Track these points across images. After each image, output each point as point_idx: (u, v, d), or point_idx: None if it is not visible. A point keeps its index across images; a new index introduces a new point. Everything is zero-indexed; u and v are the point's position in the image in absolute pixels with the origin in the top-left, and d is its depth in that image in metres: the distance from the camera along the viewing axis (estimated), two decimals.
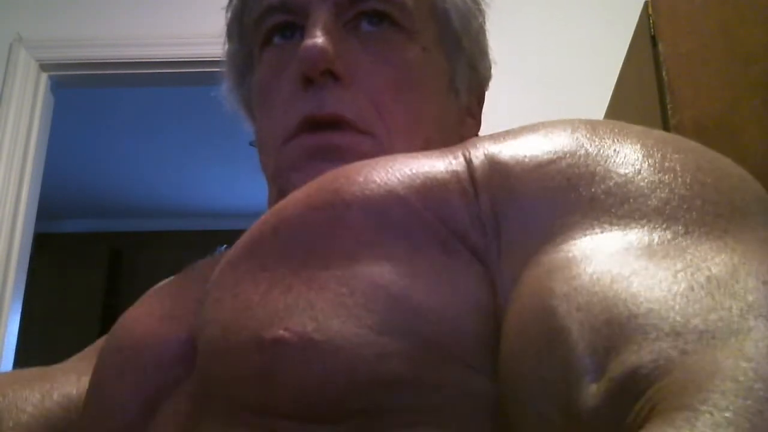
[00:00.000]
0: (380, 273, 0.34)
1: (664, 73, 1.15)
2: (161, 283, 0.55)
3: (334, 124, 0.47)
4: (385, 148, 0.47)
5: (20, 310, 2.01)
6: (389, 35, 0.50)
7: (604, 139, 0.36)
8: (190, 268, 0.52)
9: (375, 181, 0.38)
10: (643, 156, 0.35)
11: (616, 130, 0.37)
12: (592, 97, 1.62)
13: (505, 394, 0.31)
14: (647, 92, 1.22)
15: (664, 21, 1.20)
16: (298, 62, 0.47)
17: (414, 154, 0.41)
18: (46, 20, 2.12)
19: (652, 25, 1.21)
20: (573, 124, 0.39)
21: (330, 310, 0.33)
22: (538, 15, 1.90)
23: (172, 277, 0.55)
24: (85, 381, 0.50)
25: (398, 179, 0.38)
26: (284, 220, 0.39)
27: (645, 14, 1.25)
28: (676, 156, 0.34)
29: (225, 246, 0.61)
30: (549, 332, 0.28)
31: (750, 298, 0.24)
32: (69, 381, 0.51)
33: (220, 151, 3.52)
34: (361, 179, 0.39)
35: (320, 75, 0.47)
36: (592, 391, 0.25)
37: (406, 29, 0.50)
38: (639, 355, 0.24)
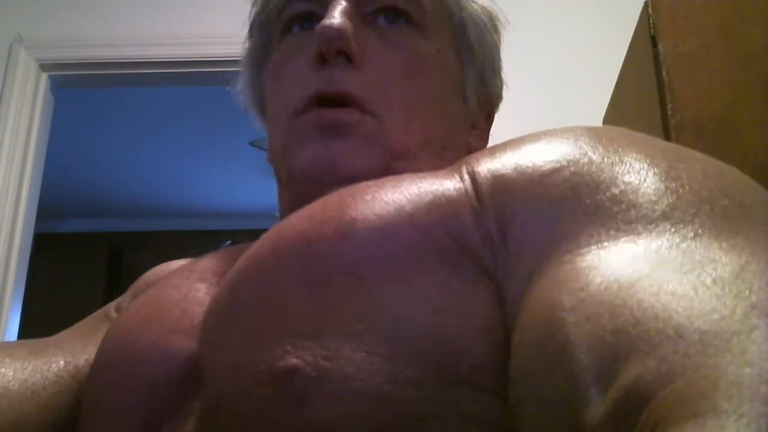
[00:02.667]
0: (389, 296, 0.34)
1: (664, 73, 1.15)
2: (165, 274, 0.54)
3: (342, 102, 0.48)
4: (387, 130, 0.48)
5: (20, 310, 2.01)
6: (405, 31, 0.51)
7: (607, 146, 0.36)
8: (195, 262, 0.52)
9: (383, 200, 0.38)
10: (649, 164, 0.34)
11: (620, 138, 0.37)
12: (592, 97, 1.62)
13: (514, 411, 0.31)
14: (647, 92, 1.22)
15: (664, 21, 1.20)
16: (314, 40, 0.49)
17: (421, 174, 0.41)
18: (46, 20, 2.12)
19: (652, 25, 1.21)
20: (575, 132, 0.39)
21: (340, 337, 0.32)
22: (538, 15, 1.90)
23: (177, 267, 0.55)
24: (81, 355, 0.49)
25: (407, 198, 0.38)
26: (285, 238, 0.39)
27: (645, 14, 1.25)
28: (681, 165, 0.34)
29: (229, 242, 0.61)
30: (557, 346, 0.28)
31: (754, 298, 0.24)
32: (66, 354, 0.50)
33: (220, 151, 3.52)
34: (368, 197, 0.39)
35: (335, 54, 0.48)
36: (599, 404, 0.25)
37: (421, 28, 0.52)
38: (643, 364, 0.23)
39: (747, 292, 0.24)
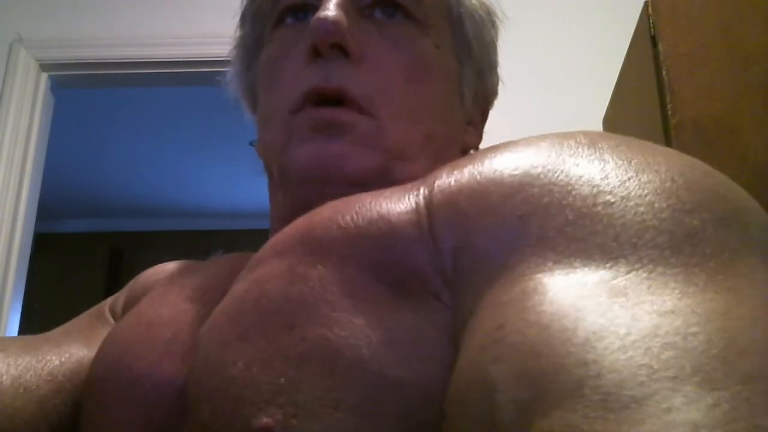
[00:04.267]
0: (356, 344, 0.33)
1: (664, 73, 1.15)
2: (160, 280, 0.53)
3: (339, 99, 0.47)
4: (385, 132, 0.47)
5: (20, 310, 2.01)
6: (403, 25, 0.50)
7: (565, 163, 0.34)
8: (188, 272, 0.51)
9: (340, 227, 0.38)
10: (600, 183, 0.33)
11: (581, 151, 0.35)
12: (592, 97, 1.62)
13: None
14: (647, 92, 1.22)
15: (664, 21, 1.20)
16: (309, 34, 0.47)
17: (379, 193, 0.41)
18: (46, 20, 2.12)
19: (652, 25, 1.21)
20: (537, 147, 0.37)
21: (311, 392, 0.32)
22: (538, 15, 1.90)
23: (172, 271, 0.54)
24: (76, 356, 0.49)
25: (363, 227, 0.38)
26: (265, 295, 0.38)
27: (645, 14, 1.25)
28: (635, 180, 0.32)
29: (222, 251, 0.61)
30: (474, 385, 0.27)
31: (663, 356, 0.23)
32: (61, 352, 0.50)
33: (220, 151, 3.52)
34: (333, 234, 0.38)
35: (330, 48, 0.47)
36: None
37: (419, 23, 0.50)
38: (548, 418, 0.23)
39: (657, 350, 0.23)
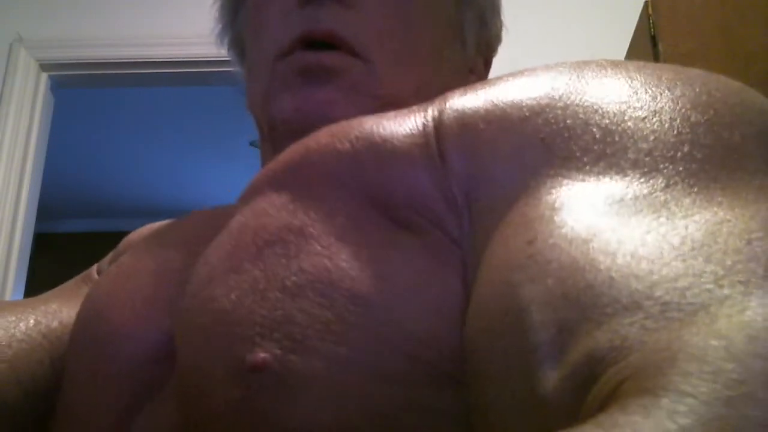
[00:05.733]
0: (359, 277, 0.31)
1: None
2: (144, 236, 0.51)
3: (330, 43, 0.44)
4: (378, 77, 0.45)
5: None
6: None
7: (588, 84, 0.33)
8: (175, 225, 0.48)
9: (338, 150, 0.36)
10: (629, 99, 0.31)
11: (604, 72, 0.33)
12: None
13: (469, 391, 0.28)
14: None
15: (664, 21, 1.20)
16: None
17: (381, 115, 0.38)
18: (46, 20, 2.12)
19: (652, 25, 1.21)
20: (558, 71, 0.35)
21: (310, 325, 0.30)
22: (537, 15, 1.90)
23: (156, 228, 0.51)
24: (54, 316, 0.47)
25: (362, 152, 0.35)
26: (266, 227, 0.35)
27: (645, 14, 1.25)
28: (668, 94, 0.30)
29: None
30: (506, 310, 0.25)
31: (728, 261, 0.21)
32: (48, 311, 0.48)
33: (220, 151, 3.52)
34: (326, 165, 0.36)
35: None
36: (551, 378, 0.22)
37: None
38: (594, 336, 0.21)
39: (720, 255, 0.21)
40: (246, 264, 0.34)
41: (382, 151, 0.35)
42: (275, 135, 0.47)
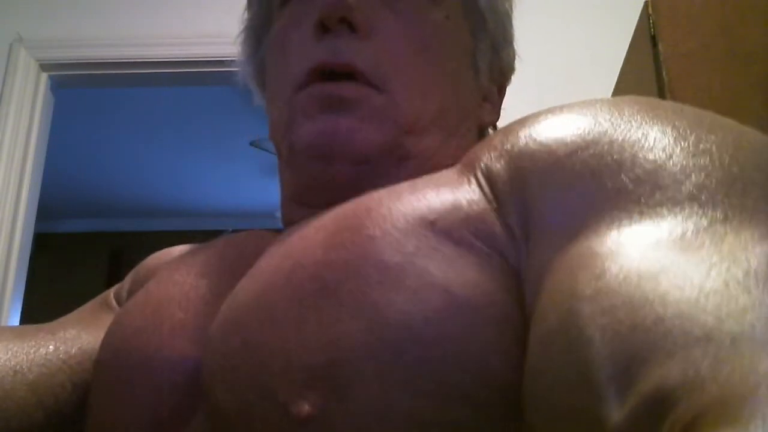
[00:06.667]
0: (409, 311, 0.31)
1: (664, 73, 1.15)
2: (167, 263, 0.52)
3: (347, 74, 0.45)
4: (396, 106, 0.45)
5: (20, 310, 2.01)
6: None
7: (630, 121, 0.33)
8: (197, 252, 0.49)
9: (401, 212, 0.36)
10: (675, 138, 0.31)
11: (644, 110, 0.34)
12: (591, 97, 1.62)
13: (530, 414, 0.28)
14: (647, 92, 1.22)
15: (664, 21, 1.19)
16: (315, 8, 0.46)
17: (435, 178, 0.39)
18: (46, 20, 2.12)
19: (652, 25, 1.21)
20: (595, 107, 0.36)
21: (354, 370, 0.30)
22: (537, 15, 1.90)
23: (178, 254, 0.52)
24: (73, 342, 0.48)
25: (427, 206, 0.36)
26: (302, 267, 0.35)
27: (645, 14, 1.25)
28: (712, 137, 0.31)
29: (232, 230, 0.60)
30: (572, 341, 0.25)
31: None
32: (66, 337, 0.49)
33: (220, 151, 3.52)
34: (385, 211, 0.36)
35: (337, 22, 0.45)
36: (618, 409, 0.22)
37: None
38: (666, 367, 0.21)
39: None
40: (281, 306, 0.34)
41: (445, 201, 0.36)
42: (293, 160, 0.47)
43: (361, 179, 0.44)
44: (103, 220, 4.26)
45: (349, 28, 0.46)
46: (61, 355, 0.47)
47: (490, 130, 0.55)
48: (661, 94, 1.16)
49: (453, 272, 0.32)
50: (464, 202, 0.36)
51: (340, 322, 0.31)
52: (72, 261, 4.07)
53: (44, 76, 2.08)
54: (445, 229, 0.34)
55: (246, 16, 0.57)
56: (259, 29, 0.55)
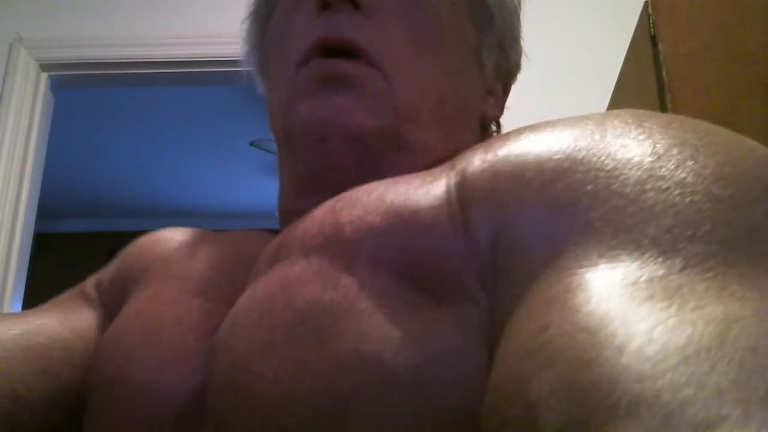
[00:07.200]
0: (391, 361, 0.31)
1: (664, 73, 1.15)
2: (158, 265, 0.50)
3: (348, 51, 0.44)
4: (396, 90, 0.44)
5: (20, 310, 2.01)
6: None
7: (611, 145, 0.32)
8: (189, 260, 0.48)
9: (370, 227, 0.36)
10: (651, 166, 0.30)
11: (627, 131, 0.33)
12: (592, 97, 1.62)
13: None
14: (647, 92, 1.22)
15: (664, 21, 1.20)
16: None
17: (406, 182, 0.38)
18: (46, 20, 2.12)
19: (652, 25, 1.21)
20: (580, 128, 0.34)
21: (349, 414, 0.30)
22: (538, 15, 1.90)
23: (170, 253, 0.51)
24: (54, 325, 0.47)
25: (392, 226, 0.36)
26: (291, 287, 0.36)
27: (645, 14, 1.25)
28: (690, 164, 0.29)
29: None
30: (514, 401, 0.25)
31: (732, 373, 0.20)
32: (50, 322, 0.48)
33: (220, 151, 3.52)
34: (352, 219, 0.36)
35: None
36: None
37: None
38: None
39: (724, 365, 0.20)
40: (278, 341, 0.34)
41: (411, 225, 0.35)
42: (292, 141, 0.46)
43: (360, 165, 0.44)
44: (102, 220, 4.26)
45: (351, 5, 0.45)
46: (28, 340, 0.45)
47: (493, 126, 0.54)
48: (661, 94, 1.16)
49: (429, 333, 0.32)
50: (433, 241, 0.35)
51: (331, 368, 0.31)
52: (72, 261, 4.07)
53: (44, 76, 2.08)
54: (416, 274, 0.34)
55: (251, 8, 0.56)
56: (264, 18, 0.54)
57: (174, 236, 0.54)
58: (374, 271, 0.34)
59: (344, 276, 0.34)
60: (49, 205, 2.69)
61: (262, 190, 3.78)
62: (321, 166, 0.45)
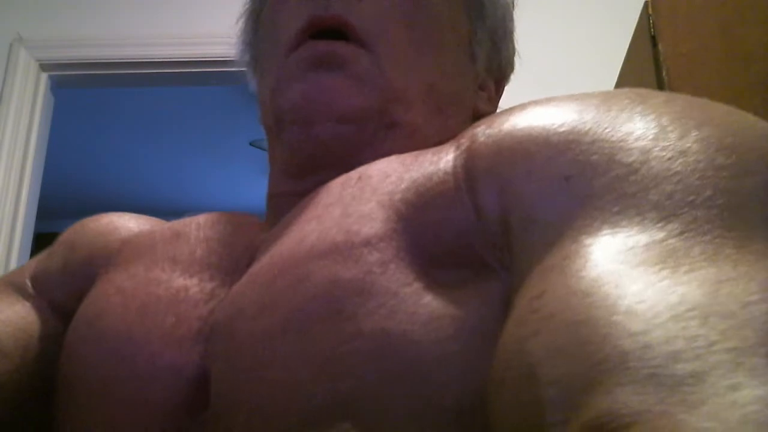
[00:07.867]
0: (420, 340, 0.30)
1: (664, 73, 1.15)
2: (135, 246, 0.47)
3: (339, 31, 0.44)
4: (385, 71, 0.44)
5: None
6: None
7: (616, 118, 0.32)
8: (171, 241, 0.45)
9: (381, 206, 0.36)
10: (656, 137, 0.30)
11: (632, 105, 0.33)
12: None
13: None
14: None
15: (664, 21, 1.20)
16: None
17: (411, 161, 0.38)
18: (46, 20, 2.12)
19: (652, 25, 1.21)
20: (585, 103, 0.35)
21: (371, 399, 0.30)
22: (538, 15, 1.90)
23: (147, 237, 0.48)
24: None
25: (405, 202, 0.36)
26: (305, 263, 0.35)
27: (645, 14, 1.25)
28: (695, 134, 0.30)
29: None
30: (511, 365, 0.25)
31: (722, 325, 0.20)
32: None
33: (220, 151, 3.52)
34: (353, 205, 0.36)
35: None
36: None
37: None
38: (594, 397, 0.20)
39: (715, 319, 0.21)
40: (293, 323, 0.33)
41: (420, 202, 0.35)
42: (281, 126, 0.46)
43: (351, 145, 0.43)
44: None
45: None
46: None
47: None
48: None
49: (456, 308, 0.32)
50: (439, 199, 0.35)
51: (355, 349, 0.31)
52: None
53: (44, 76, 2.08)
54: (433, 249, 0.34)
55: (246, 5, 0.56)
56: (258, 14, 0.54)
57: (137, 220, 0.52)
58: (393, 249, 0.34)
59: (364, 250, 0.34)
60: (49, 205, 2.69)
61: (262, 190, 3.76)
62: (312, 149, 0.44)
